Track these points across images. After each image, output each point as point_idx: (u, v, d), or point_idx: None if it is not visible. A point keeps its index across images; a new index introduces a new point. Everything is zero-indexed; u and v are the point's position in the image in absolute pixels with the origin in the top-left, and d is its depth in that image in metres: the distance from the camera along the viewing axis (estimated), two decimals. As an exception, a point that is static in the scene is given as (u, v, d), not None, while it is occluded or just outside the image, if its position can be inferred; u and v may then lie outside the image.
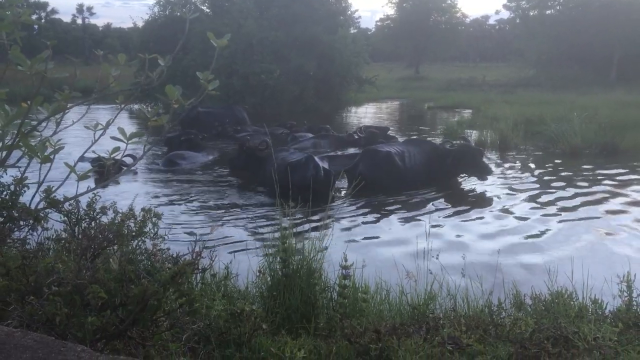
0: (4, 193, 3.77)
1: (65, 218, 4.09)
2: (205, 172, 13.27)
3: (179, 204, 10.15)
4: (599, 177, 12.54)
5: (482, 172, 11.88)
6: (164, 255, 3.52)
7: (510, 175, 12.93)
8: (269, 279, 4.32)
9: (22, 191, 3.89)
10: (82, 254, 3.14)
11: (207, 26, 24.78)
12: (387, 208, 9.98)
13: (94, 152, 4.28)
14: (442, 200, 10.58)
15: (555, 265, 5.16)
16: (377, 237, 8.36)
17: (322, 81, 28.81)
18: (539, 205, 10.17)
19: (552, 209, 9.91)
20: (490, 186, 11.73)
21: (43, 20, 71.33)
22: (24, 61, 3.55)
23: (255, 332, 3.20)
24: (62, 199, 3.99)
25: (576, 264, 4.98)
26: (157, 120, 4.11)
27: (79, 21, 78.82)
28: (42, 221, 3.74)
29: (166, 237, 4.09)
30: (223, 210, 9.76)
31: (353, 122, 24.46)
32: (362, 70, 31.98)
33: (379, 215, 9.53)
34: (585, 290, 4.48)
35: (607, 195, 10.98)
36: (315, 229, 6.33)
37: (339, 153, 14.50)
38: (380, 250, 7.67)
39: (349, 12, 32.76)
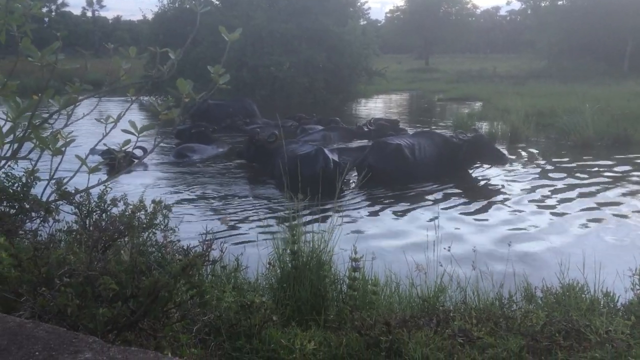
0: (16, 185, 3.80)
1: (77, 210, 4.11)
2: (215, 164, 13.29)
3: (189, 196, 10.19)
4: (611, 169, 12.43)
5: (499, 160, 11.85)
6: (174, 247, 3.54)
7: (522, 168, 12.84)
8: (278, 271, 4.32)
9: (34, 183, 3.91)
10: (93, 245, 3.16)
11: (216, 18, 24.79)
12: (396, 200, 9.95)
13: (104, 144, 4.30)
14: (452, 192, 10.53)
15: (566, 257, 5.12)
16: (386, 230, 8.35)
17: (332, 73, 28.75)
18: (550, 197, 10.10)
19: (563, 201, 9.84)
20: (501, 178, 11.66)
21: (53, 13, 71.58)
22: (35, 52, 3.56)
23: (266, 323, 3.21)
24: (73, 191, 4.01)
25: (588, 257, 4.93)
26: (167, 114, 4.12)
27: (89, 14, 79.15)
28: (54, 213, 3.76)
29: (176, 229, 4.10)
30: (233, 203, 9.78)
31: (363, 114, 24.38)
32: (371, 62, 31.89)
33: (388, 208, 9.51)
34: (597, 283, 4.45)
35: (620, 187, 10.88)
36: (324, 221, 6.33)
37: (349, 145, 14.47)
38: (389, 242, 7.66)
39: (359, 3, 32.70)
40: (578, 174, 12.02)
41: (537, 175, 12.00)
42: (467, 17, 68.61)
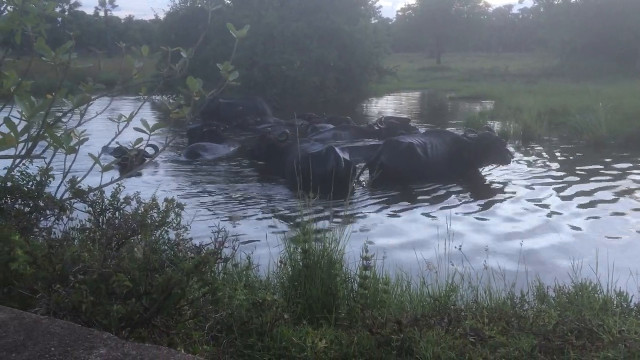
0: (30, 183, 3.84)
1: (90, 208, 4.14)
2: (226, 163, 13.34)
3: (201, 195, 10.23)
4: (624, 169, 12.32)
5: (503, 160, 11.80)
6: (186, 245, 3.55)
7: (533, 167, 12.77)
8: (290, 269, 4.34)
9: (48, 181, 3.95)
10: (106, 243, 3.19)
11: (227, 17, 24.83)
12: (408, 199, 9.94)
13: (117, 142, 4.33)
14: (463, 191, 10.50)
15: (579, 257, 5.09)
16: (397, 228, 8.34)
17: (343, 72, 28.72)
18: (562, 197, 10.04)
19: (576, 201, 9.78)
20: (513, 177, 11.61)
21: (66, 13, 72.15)
22: (49, 52, 3.60)
23: (277, 321, 3.22)
24: (86, 189, 4.05)
25: (601, 257, 4.91)
26: (179, 112, 4.15)
27: (102, 13, 79.68)
28: (68, 211, 3.80)
29: (188, 228, 4.12)
30: (244, 201, 9.81)
31: (374, 113, 24.35)
32: (383, 61, 31.81)
33: (399, 207, 9.49)
34: (610, 283, 4.42)
35: (632, 187, 10.79)
36: (336, 220, 6.33)
37: (360, 144, 14.46)
38: (401, 241, 7.65)
39: (370, 2, 32.60)
40: (591, 173, 11.93)
41: (550, 174, 11.93)
42: (479, 15, 68.29)
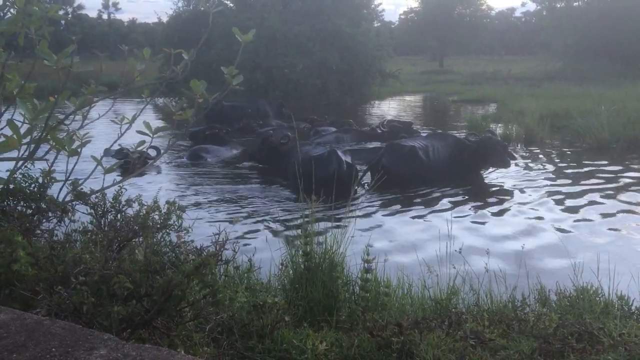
0: (33, 185, 3.85)
1: (92, 210, 4.15)
2: (228, 166, 13.36)
3: (203, 197, 10.25)
4: (625, 172, 12.30)
5: (505, 163, 11.81)
6: (187, 247, 3.57)
7: (535, 170, 12.75)
8: (291, 272, 4.35)
9: (50, 184, 3.96)
10: (108, 245, 3.20)
11: (230, 20, 24.91)
12: (410, 202, 9.94)
13: (119, 145, 4.34)
14: (465, 194, 10.49)
15: (580, 260, 5.08)
16: (399, 231, 8.34)
17: (345, 75, 28.76)
18: (563, 200, 10.02)
19: (577, 204, 9.76)
20: (515, 180, 11.60)
21: (70, 16, 72.34)
22: (51, 56, 3.62)
23: (278, 324, 3.23)
24: (88, 192, 4.06)
25: (602, 260, 4.90)
26: (181, 114, 4.16)
27: (105, 16, 79.88)
28: (70, 213, 3.81)
29: (190, 230, 4.13)
30: (246, 204, 9.82)
31: (376, 116, 24.35)
32: (385, 64, 31.84)
33: (401, 210, 9.50)
34: (612, 286, 4.41)
35: (633, 190, 10.77)
36: (337, 222, 6.34)
37: (362, 147, 14.47)
38: (402, 244, 7.65)
39: (373, 5, 32.67)
40: (592, 177, 11.91)
41: (551, 178, 11.91)
42: (481, 18, 68.25)
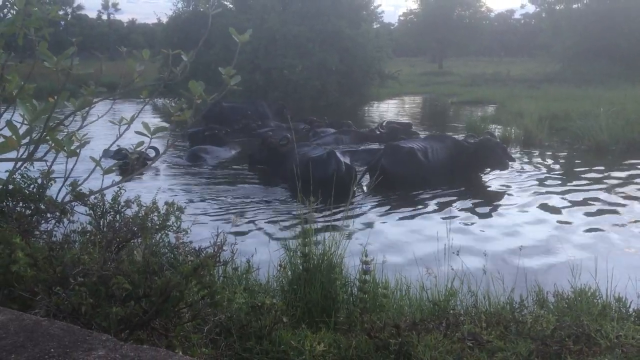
0: (32, 186, 3.86)
1: (91, 211, 4.16)
2: (227, 167, 13.36)
3: (201, 198, 10.25)
4: (624, 174, 12.31)
5: (503, 165, 11.83)
6: (186, 249, 3.57)
7: (534, 172, 12.76)
8: (289, 273, 4.35)
9: (49, 184, 3.97)
10: (107, 246, 3.21)
11: (230, 21, 24.88)
12: (408, 204, 9.95)
13: (118, 145, 4.35)
14: (464, 196, 10.50)
15: (578, 262, 5.10)
16: (397, 233, 8.35)
17: (345, 76, 28.76)
18: (562, 202, 10.04)
19: (575, 206, 9.77)
20: (514, 182, 11.61)
21: (69, 17, 72.31)
22: (51, 58, 3.63)
23: (276, 325, 3.24)
24: (87, 192, 4.07)
25: (600, 262, 4.92)
26: (180, 115, 4.17)
27: (105, 17, 79.90)
28: (68, 214, 3.82)
29: (189, 231, 4.14)
30: (244, 205, 9.83)
31: (375, 118, 24.36)
32: (384, 65, 31.85)
33: (400, 211, 9.50)
34: (609, 289, 4.43)
35: (632, 192, 10.78)
36: (336, 224, 6.34)
37: (361, 148, 14.48)
38: (400, 245, 7.66)
39: (372, 6, 32.66)
40: (591, 179, 11.92)
41: (549, 180, 11.93)
42: (481, 20, 68.24)
